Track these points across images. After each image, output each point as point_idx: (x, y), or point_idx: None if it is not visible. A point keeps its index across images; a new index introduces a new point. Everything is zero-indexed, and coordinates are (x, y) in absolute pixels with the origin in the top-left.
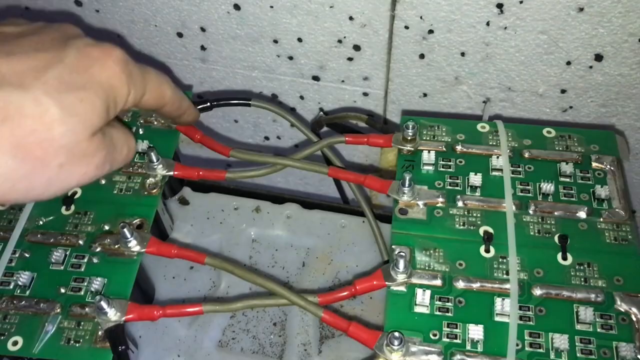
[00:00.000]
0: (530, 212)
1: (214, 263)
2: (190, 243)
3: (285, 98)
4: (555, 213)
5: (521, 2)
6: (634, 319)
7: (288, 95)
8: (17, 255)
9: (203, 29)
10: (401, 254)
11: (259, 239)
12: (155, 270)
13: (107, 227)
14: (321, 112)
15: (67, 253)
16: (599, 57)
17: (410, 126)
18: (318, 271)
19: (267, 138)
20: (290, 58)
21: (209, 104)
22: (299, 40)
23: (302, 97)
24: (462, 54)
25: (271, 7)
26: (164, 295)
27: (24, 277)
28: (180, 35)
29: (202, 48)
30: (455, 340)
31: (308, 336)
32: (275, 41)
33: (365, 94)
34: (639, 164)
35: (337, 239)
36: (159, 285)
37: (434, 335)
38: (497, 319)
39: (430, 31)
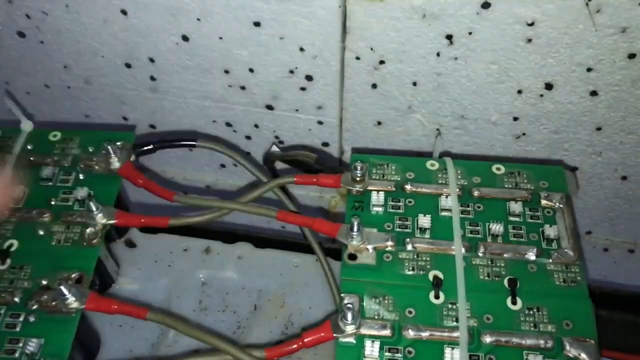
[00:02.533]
0: (480, 254)
1: (156, 318)
2: (137, 289)
3: (240, 127)
4: (505, 255)
5: (470, 34)
6: None
7: (242, 124)
8: None
9: (152, 60)
10: (349, 306)
11: (209, 282)
12: (100, 318)
13: (44, 282)
14: (274, 144)
15: (2, 312)
16: (549, 86)
17: (359, 167)
18: (270, 315)
19: (223, 166)
20: (243, 88)
21: (152, 146)
22: (251, 70)
23: (256, 126)
24: (414, 84)
25: (220, 38)
26: (110, 345)
27: None
28: (128, 66)
29: (152, 78)
30: None
31: None
32: (227, 72)
33: (320, 122)
34: (592, 187)
35: (289, 279)
36: (105, 334)
37: None
38: None
39: (382, 62)
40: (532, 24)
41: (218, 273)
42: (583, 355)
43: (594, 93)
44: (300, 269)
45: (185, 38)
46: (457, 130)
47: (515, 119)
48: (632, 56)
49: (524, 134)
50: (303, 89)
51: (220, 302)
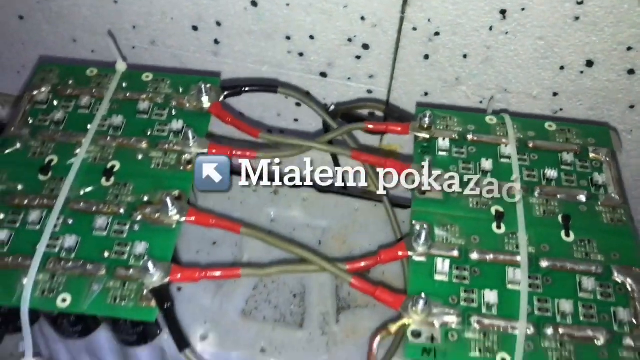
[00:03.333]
0: (536, 195)
1: (249, 232)
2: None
3: None
4: (558, 196)
5: (523, 10)
6: (630, 288)
7: None
8: (61, 221)
9: (219, 24)
10: (424, 226)
11: (278, 219)
12: (179, 244)
13: (146, 198)
14: (332, 104)
15: (109, 220)
16: (590, 63)
17: (427, 115)
18: (334, 249)
19: (269, 131)
20: (301, 54)
21: (239, 89)
22: (311, 37)
23: (308, 93)
24: (465, 56)
25: (287, 4)
26: None
27: (69, 240)
28: (195, 28)
29: (216, 42)
30: (472, 305)
31: (326, 307)
32: (288, 38)
33: (369, 91)
34: (620, 164)
35: (351, 220)
36: (183, 259)
37: (453, 300)
38: (509, 286)
39: (437, 33)
40: (581, 2)
41: (285, 211)
42: (629, 280)
43: (631, 72)
44: (360, 212)
45: (254, 3)
46: (499, 103)
47: (555, 94)
48: None
49: (561, 109)
50: (358, 57)
51: (288, 237)
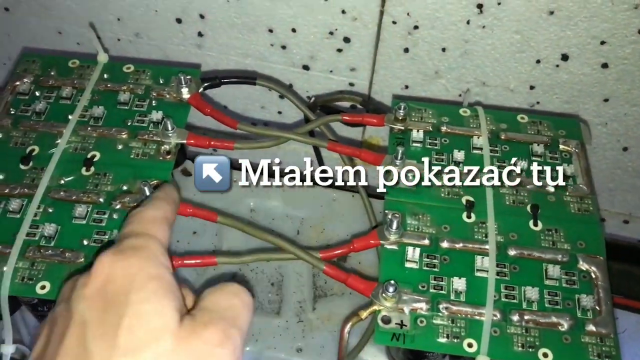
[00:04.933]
0: (507, 184)
1: (225, 221)
2: None
3: None
4: (528, 186)
5: (499, 4)
6: (594, 276)
7: None
8: (41, 210)
9: (202, 16)
10: (395, 215)
11: (257, 209)
12: None
13: (125, 187)
14: (312, 99)
15: (89, 209)
16: (565, 57)
17: (402, 107)
18: (312, 239)
19: (254, 124)
20: (284, 47)
21: (218, 80)
22: (293, 30)
23: (291, 85)
24: (443, 50)
25: None
26: None
27: (49, 229)
28: (179, 21)
29: (200, 34)
30: (441, 292)
31: (303, 295)
32: (271, 30)
33: (351, 84)
34: (595, 157)
35: (329, 210)
36: None
37: (422, 287)
38: (477, 274)
39: (416, 27)
40: None
41: (265, 202)
42: (593, 268)
43: (605, 65)
44: (338, 202)
45: None
46: (477, 96)
47: (532, 87)
48: None
49: (538, 102)
50: (339, 50)
51: (267, 226)
